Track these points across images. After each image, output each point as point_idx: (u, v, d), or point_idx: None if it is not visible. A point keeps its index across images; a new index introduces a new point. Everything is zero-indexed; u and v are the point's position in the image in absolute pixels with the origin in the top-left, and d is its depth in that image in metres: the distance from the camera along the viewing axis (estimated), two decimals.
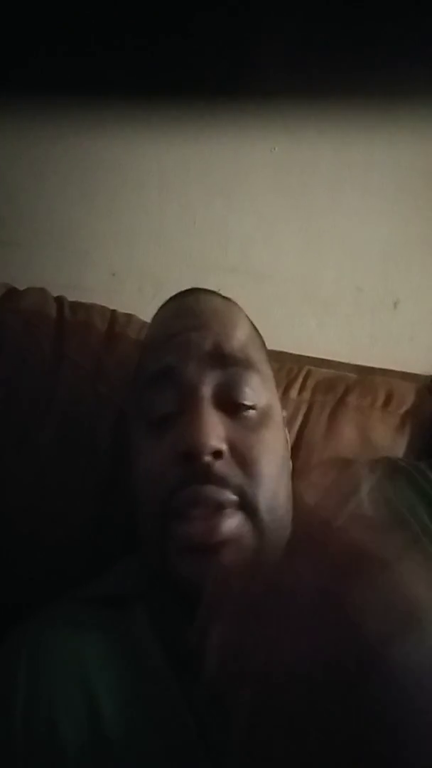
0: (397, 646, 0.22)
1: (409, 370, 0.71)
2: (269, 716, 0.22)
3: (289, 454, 0.46)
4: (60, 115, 0.69)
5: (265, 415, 0.41)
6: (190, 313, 0.44)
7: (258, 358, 0.44)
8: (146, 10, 0.64)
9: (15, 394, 0.54)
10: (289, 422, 0.53)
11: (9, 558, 0.52)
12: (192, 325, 0.42)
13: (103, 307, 0.62)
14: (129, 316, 0.62)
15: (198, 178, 0.71)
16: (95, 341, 0.58)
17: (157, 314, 0.50)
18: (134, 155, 0.71)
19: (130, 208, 0.72)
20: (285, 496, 0.41)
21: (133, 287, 0.73)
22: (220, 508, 0.36)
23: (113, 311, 0.62)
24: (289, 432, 0.53)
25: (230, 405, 0.40)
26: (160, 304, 0.50)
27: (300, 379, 0.64)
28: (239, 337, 0.43)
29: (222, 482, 0.36)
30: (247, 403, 0.40)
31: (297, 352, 0.69)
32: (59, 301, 0.61)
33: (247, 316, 0.48)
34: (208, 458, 0.36)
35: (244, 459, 0.38)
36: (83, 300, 0.62)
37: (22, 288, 0.61)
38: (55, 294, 0.62)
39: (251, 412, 0.40)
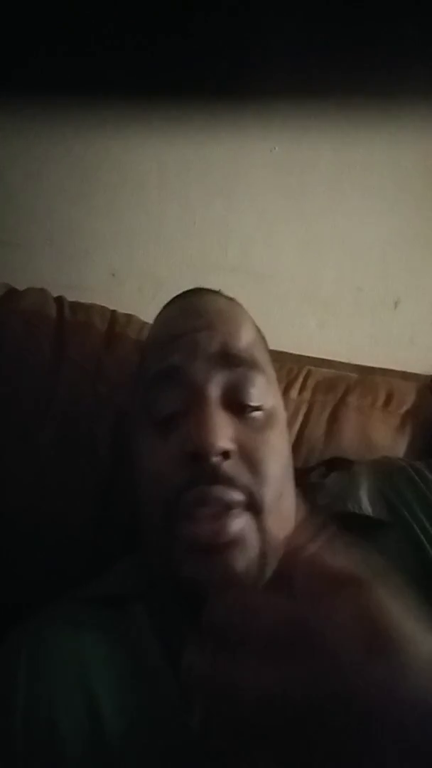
0: (369, 669, 0.22)
1: (409, 370, 0.71)
2: (249, 743, 0.23)
3: (291, 455, 0.46)
4: (60, 115, 0.69)
5: (270, 417, 0.41)
6: (196, 312, 0.44)
7: (263, 359, 0.44)
8: (146, 10, 0.64)
9: (15, 394, 0.54)
10: (289, 422, 0.53)
11: (9, 558, 0.52)
12: (198, 325, 0.42)
13: (103, 308, 0.62)
14: (129, 316, 0.62)
15: (198, 178, 0.71)
16: (95, 341, 0.58)
17: (160, 314, 0.49)
18: (134, 155, 0.71)
19: (130, 208, 0.72)
20: (289, 497, 0.41)
21: (133, 287, 0.73)
22: (227, 508, 0.36)
23: (113, 311, 0.62)
24: (290, 432, 0.53)
25: (237, 406, 0.40)
26: (160, 304, 0.50)
27: (300, 379, 0.64)
28: (245, 338, 0.43)
29: (230, 482, 0.36)
30: (253, 404, 0.40)
31: (297, 352, 0.69)
32: (59, 301, 0.61)
33: (250, 317, 0.48)
34: (216, 459, 0.36)
35: (250, 460, 0.38)
36: (83, 300, 0.62)
37: (22, 288, 0.61)
38: (55, 294, 0.62)
39: (257, 413, 0.40)
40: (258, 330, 0.47)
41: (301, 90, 0.69)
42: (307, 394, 0.63)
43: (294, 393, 0.62)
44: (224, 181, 0.72)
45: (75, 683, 0.35)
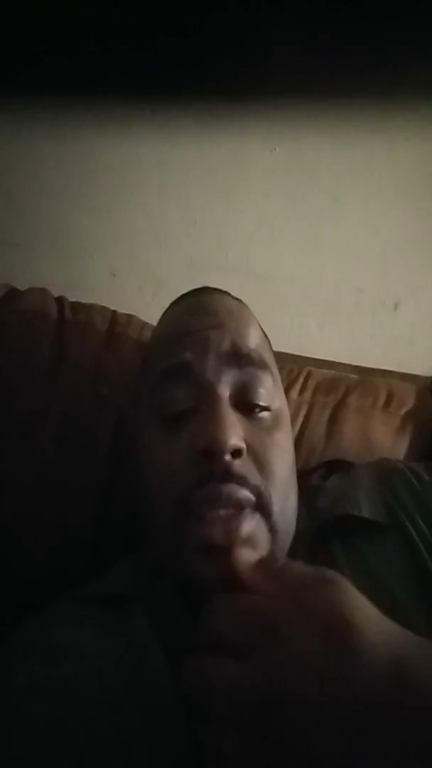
0: (326, 660, 0.25)
1: (409, 371, 0.71)
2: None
3: (295, 457, 0.46)
4: (60, 115, 0.69)
5: (278, 417, 0.41)
6: (206, 311, 0.44)
7: (270, 360, 0.44)
8: (146, 10, 0.64)
9: (15, 394, 0.54)
10: None
11: (9, 558, 0.52)
12: (209, 323, 0.42)
13: (103, 308, 0.62)
14: (129, 316, 0.62)
15: (198, 178, 0.72)
16: (96, 341, 0.58)
17: (167, 312, 0.49)
18: (134, 155, 0.71)
19: (130, 208, 0.72)
20: (294, 499, 0.41)
21: (133, 287, 0.73)
22: (239, 507, 0.36)
23: (114, 311, 0.62)
24: None
25: (246, 405, 0.40)
26: (160, 304, 0.50)
27: (301, 380, 0.64)
28: (254, 338, 0.43)
29: (241, 481, 0.36)
30: (262, 404, 0.40)
31: (297, 353, 0.69)
32: (60, 301, 0.61)
33: (256, 318, 0.48)
34: (228, 457, 0.36)
35: (259, 460, 0.38)
36: (84, 300, 0.62)
37: (22, 288, 0.61)
38: (56, 294, 0.62)
39: (266, 413, 0.40)
40: (264, 331, 0.48)
41: (301, 90, 0.69)
42: (307, 395, 0.63)
43: (294, 394, 0.62)
44: (225, 181, 0.72)
45: (75, 683, 0.35)
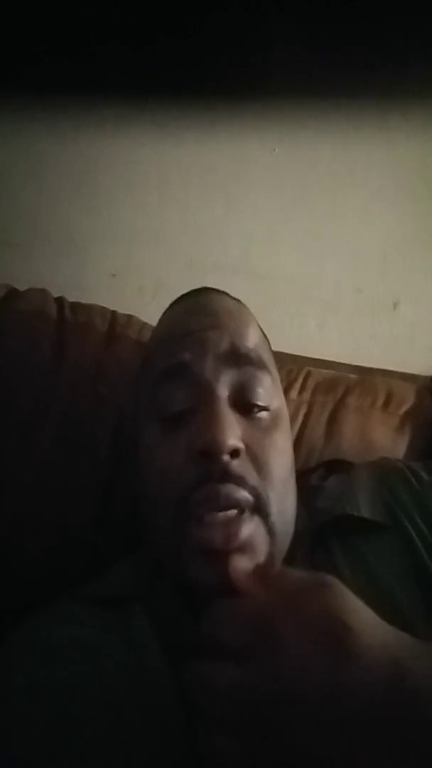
0: (323, 661, 0.25)
1: (408, 371, 0.72)
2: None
3: (293, 457, 0.46)
4: (60, 115, 0.69)
5: (276, 417, 0.41)
6: (205, 311, 0.44)
7: (269, 359, 0.44)
8: (146, 10, 0.64)
9: (15, 394, 0.54)
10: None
11: (9, 558, 0.52)
12: (208, 323, 0.42)
13: (103, 308, 0.62)
14: (129, 316, 0.62)
15: (198, 178, 0.71)
16: (95, 342, 0.58)
17: (167, 312, 0.49)
18: (134, 155, 0.71)
19: (130, 208, 0.72)
20: (292, 500, 0.41)
21: (133, 288, 0.73)
22: (237, 508, 0.36)
23: (113, 312, 0.62)
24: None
25: (244, 405, 0.40)
26: (160, 304, 0.50)
27: (300, 380, 0.64)
28: (253, 338, 0.43)
29: (239, 481, 0.36)
30: (260, 404, 0.40)
31: (297, 353, 0.69)
32: (59, 301, 0.61)
33: (255, 318, 0.48)
34: (226, 457, 0.36)
35: (257, 460, 0.38)
36: (83, 301, 0.62)
37: (22, 289, 0.61)
38: (56, 295, 0.62)
39: (264, 413, 0.40)
40: (263, 331, 0.48)
41: (301, 90, 0.69)
42: (306, 395, 0.63)
43: (294, 393, 0.63)
44: (224, 181, 0.72)
45: (74, 683, 0.35)
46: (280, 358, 0.64)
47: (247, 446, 0.38)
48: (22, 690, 0.35)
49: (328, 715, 0.25)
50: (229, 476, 0.36)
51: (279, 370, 0.61)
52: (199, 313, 0.44)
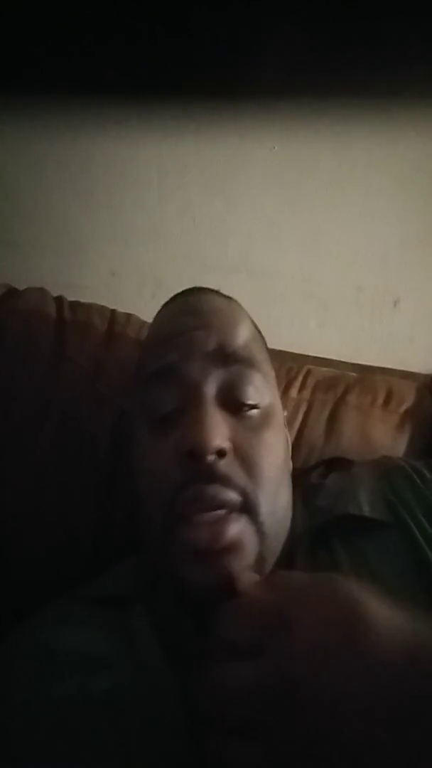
0: (336, 652, 0.25)
1: (409, 369, 0.71)
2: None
3: (290, 454, 0.46)
4: (60, 115, 0.69)
5: (267, 415, 0.41)
6: (193, 311, 0.44)
7: (260, 357, 0.44)
8: (146, 9, 0.64)
9: (15, 394, 0.54)
10: (289, 421, 0.53)
11: (9, 558, 0.52)
12: (195, 323, 0.42)
13: (102, 307, 0.62)
14: (129, 315, 0.62)
15: (198, 177, 0.71)
16: (95, 341, 0.58)
17: (159, 313, 0.49)
18: (134, 154, 0.71)
19: (129, 208, 0.72)
20: (285, 498, 0.41)
21: (132, 287, 0.73)
22: (223, 508, 0.36)
23: (113, 311, 0.62)
24: (289, 431, 0.53)
25: (233, 404, 0.40)
26: (159, 303, 0.50)
27: (300, 378, 0.64)
28: (242, 336, 0.43)
29: (226, 481, 0.36)
30: (249, 402, 0.40)
31: (297, 351, 0.69)
32: (59, 301, 0.61)
33: (248, 315, 0.48)
34: (211, 457, 0.36)
35: (246, 459, 0.38)
36: (83, 300, 0.62)
37: (21, 288, 0.61)
38: (55, 294, 0.62)
39: (254, 411, 0.40)
40: (256, 328, 0.47)
41: (301, 90, 0.69)
42: (306, 393, 0.63)
43: (294, 392, 0.62)
44: (224, 180, 0.72)
45: (74, 683, 0.35)
46: (280, 356, 0.64)
47: (235, 446, 0.37)
48: (21, 690, 0.35)
49: (345, 699, 0.24)
50: (215, 477, 0.36)
51: (279, 368, 0.62)
52: (187, 313, 0.44)
